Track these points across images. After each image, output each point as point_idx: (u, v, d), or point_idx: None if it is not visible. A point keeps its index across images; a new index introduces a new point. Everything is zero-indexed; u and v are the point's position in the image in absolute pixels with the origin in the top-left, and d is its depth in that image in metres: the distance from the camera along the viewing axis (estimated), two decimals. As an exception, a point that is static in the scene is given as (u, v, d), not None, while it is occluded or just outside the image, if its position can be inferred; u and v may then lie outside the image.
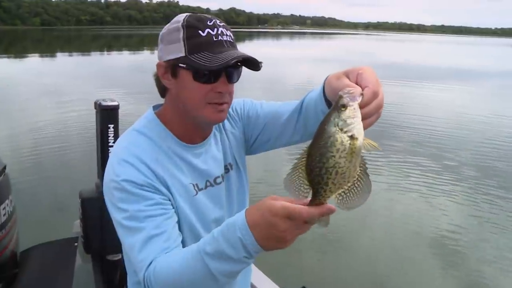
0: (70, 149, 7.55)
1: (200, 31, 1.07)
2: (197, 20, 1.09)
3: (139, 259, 1.04)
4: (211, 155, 1.27)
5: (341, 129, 0.82)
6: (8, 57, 28.30)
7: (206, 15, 1.13)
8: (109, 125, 2.39)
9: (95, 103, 2.42)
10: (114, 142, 2.44)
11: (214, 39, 1.08)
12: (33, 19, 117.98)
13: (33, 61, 26.91)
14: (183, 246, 1.09)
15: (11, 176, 2.46)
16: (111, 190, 1.09)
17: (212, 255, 0.92)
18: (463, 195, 6.10)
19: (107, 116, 2.39)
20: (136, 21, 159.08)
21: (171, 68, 1.11)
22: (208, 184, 1.25)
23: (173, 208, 1.13)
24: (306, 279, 3.81)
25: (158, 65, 1.13)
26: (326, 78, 1.05)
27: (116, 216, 1.09)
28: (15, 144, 7.68)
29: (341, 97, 0.83)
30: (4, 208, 2.30)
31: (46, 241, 2.69)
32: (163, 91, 1.20)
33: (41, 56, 30.68)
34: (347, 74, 0.97)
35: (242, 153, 1.39)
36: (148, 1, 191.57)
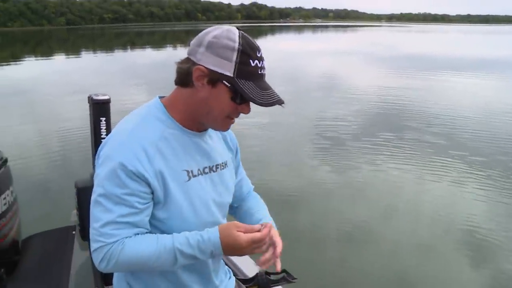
0: (68, 142, 7.84)
1: (251, 60, 1.16)
2: (250, 47, 1.16)
3: (101, 231, 1.18)
4: (213, 145, 1.37)
5: None
6: (36, 57, 29.03)
7: (254, 42, 1.20)
8: (101, 119, 2.51)
9: (88, 97, 2.54)
10: (106, 135, 2.55)
11: (259, 72, 1.18)
12: (58, 19, 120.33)
13: (59, 60, 27.59)
14: (166, 227, 1.25)
15: (12, 168, 2.60)
16: (105, 165, 1.19)
17: (185, 255, 1.20)
18: (495, 187, 5.88)
19: (99, 110, 2.51)
20: (158, 17, 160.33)
21: (211, 77, 1.17)
22: (207, 170, 1.33)
23: (154, 201, 1.23)
24: (328, 272, 3.89)
25: (197, 69, 1.17)
26: None
27: (97, 188, 1.20)
28: (17, 138, 7.97)
29: None
30: (4, 198, 2.43)
31: (46, 230, 2.84)
32: (182, 81, 1.24)
33: (67, 55, 31.41)
34: None
35: (234, 163, 1.51)
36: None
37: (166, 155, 1.23)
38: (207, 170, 1.34)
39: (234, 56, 1.15)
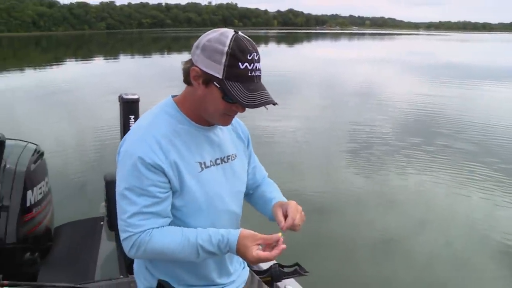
0: (99, 138, 8.23)
1: (240, 63, 1.24)
2: (240, 51, 1.23)
3: (129, 222, 1.29)
4: (223, 137, 1.47)
5: None
6: (76, 60, 30.04)
7: (248, 44, 1.26)
8: (130, 116, 2.68)
9: (119, 97, 2.71)
10: (135, 132, 2.72)
11: (249, 74, 1.26)
12: (99, 24, 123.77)
13: (98, 63, 28.48)
14: (182, 215, 1.37)
15: (48, 161, 2.79)
16: (125, 161, 1.31)
17: (206, 251, 1.32)
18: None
19: (129, 108, 2.68)
20: (195, 23, 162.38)
21: (204, 77, 1.27)
22: (218, 161, 1.44)
23: (172, 190, 1.34)
24: (359, 282, 3.86)
25: (193, 69, 1.29)
26: (274, 203, 1.52)
27: (120, 183, 1.32)
28: (54, 134, 8.36)
29: None
30: (40, 188, 2.63)
31: (76, 219, 3.02)
32: (186, 80, 1.36)
33: (105, 58, 32.36)
34: (281, 206, 1.47)
35: (246, 153, 1.60)
36: (207, 4, 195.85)
37: (179, 148, 1.34)
38: (219, 161, 1.44)
39: (223, 59, 1.24)
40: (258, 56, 1.28)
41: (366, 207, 5.51)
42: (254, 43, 1.29)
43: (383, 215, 5.28)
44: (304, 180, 6.23)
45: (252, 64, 1.25)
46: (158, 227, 1.32)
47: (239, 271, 1.60)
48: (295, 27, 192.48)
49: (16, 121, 9.16)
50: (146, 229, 1.30)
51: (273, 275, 1.86)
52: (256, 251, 1.31)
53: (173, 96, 1.43)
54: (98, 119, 9.65)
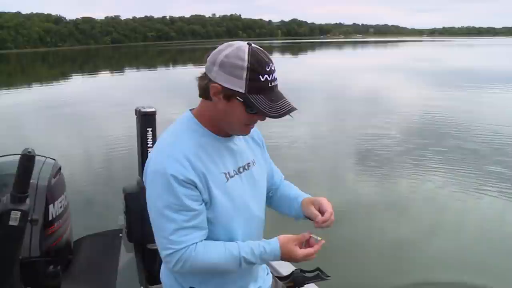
0: (112, 151, 8.30)
1: (260, 76, 1.27)
2: (258, 64, 1.26)
3: (170, 239, 1.32)
4: (241, 145, 1.51)
5: None
6: (82, 75, 30.37)
7: (264, 56, 1.29)
8: (147, 129, 2.72)
9: (136, 110, 2.76)
10: (152, 144, 2.76)
11: (269, 85, 1.30)
12: (104, 38, 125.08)
13: (104, 77, 28.78)
14: (214, 227, 1.40)
15: (65, 175, 2.84)
16: (157, 180, 1.33)
17: (248, 262, 1.38)
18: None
19: (146, 121, 2.72)
20: (199, 35, 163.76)
21: (225, 93, 1.29)
22: (241, 169, 1.48)
23: (204, 202, 1.37)
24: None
25: (213, 87, 1.31)
26: (302, 200, 1.60)
27: (155, 202, 1.34)
28: (70, 148, 8.46)
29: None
30: (60, 202, 2.67)
31: (95, 232, 3.06)
32: (204, 94, 1.38)
33: (111, 73, 32.69)
34: (313, 202, 1.54)
35: (263, 157, 1.64)
36: (211, 16, 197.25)
37: (205, 161, 1.37)
38: (241, 169, 1.48)
39: (244, 74, 1.27)
40: (274, 65, 1.31)
41: (380, 212, 5.51)
42: (267, 53, 1.32)
43: (399, 220, 5.27)
44: (315, 185, 6.22)
45: (270, 75, 1.29)
46: (200, 241, 1.35)
47: (264, 277, 1.63)
48: (298, 37, 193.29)
49: (29, 136, 9.29)
50: (190, 244, 1.33)
51: (296, 280, 1.87)
52: (301, 250, 1.42)
53: (190, 109, 1.46)
54: (109, 132, 9.80)
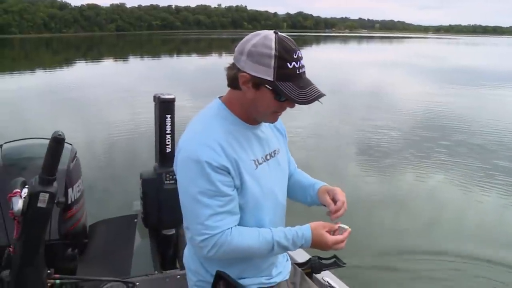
0: (131, 137, 8.36)
1: (288, 63, 1.28)
2: (286, 51, 1.28)
3: (206, 225, 1.33)
4: (268, 133, 1.54)
5: None
6: (86, 62, 30.35)
7: (291, 43, 1.31)
8: (166, 116, 2.74)
9: (154, 96, 2.77)
10: (171, 130, 2.78)
11: (297, 72, 1.32)
12: (109, 26, 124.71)
13: (108, 64, 28.78)
14: (243, 213, 1.42)
15: (81, 160, 2.86)
16: (190, 167, 1.34)
17: (281, 246, 1.41)
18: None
19: (165, 108, 2.74)
20: (204, 25, 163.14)
21: (254, 81, 1.32)
22: (268, 157, 1.50)
23: (235, 188, 1.39)
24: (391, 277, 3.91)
25: (242, 76, 1.33)
26: (319, 188, 1.62)
27: (189, 189, 1.36)
28: (85, 133, 8.44)
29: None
30: (78, 186, 2.70)
31: (110, 217, 3.09)
32: (233, 83, 1.40)
33: (115, 60, 32.66)
34: (328, 191, 1.58)
35: (285, 145, 1.67)
36: (216, 6, 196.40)
37: (236, 148, 1.39)
38: (268, 157, 1.51)
39: (272, 62, 1.29)
40: (301, 53, 1.33)
41: (377, 210, 5.48)
42: (293, 40, 1.33)
43: (406, 214, 5.33)
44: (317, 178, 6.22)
45: (298, 62, 1.31)
46: (234, 226, 1.37)
47: (283, 263, 1.66)
48: (304, 30, 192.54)
49: (41, 121, 9.26)
50: (225, 229, 1.35)
51: (313, 267, 1.91)
52: (331, 236, 1.45)
53: (219, 97, 1.48)
54: (123, 118, 9.81)
